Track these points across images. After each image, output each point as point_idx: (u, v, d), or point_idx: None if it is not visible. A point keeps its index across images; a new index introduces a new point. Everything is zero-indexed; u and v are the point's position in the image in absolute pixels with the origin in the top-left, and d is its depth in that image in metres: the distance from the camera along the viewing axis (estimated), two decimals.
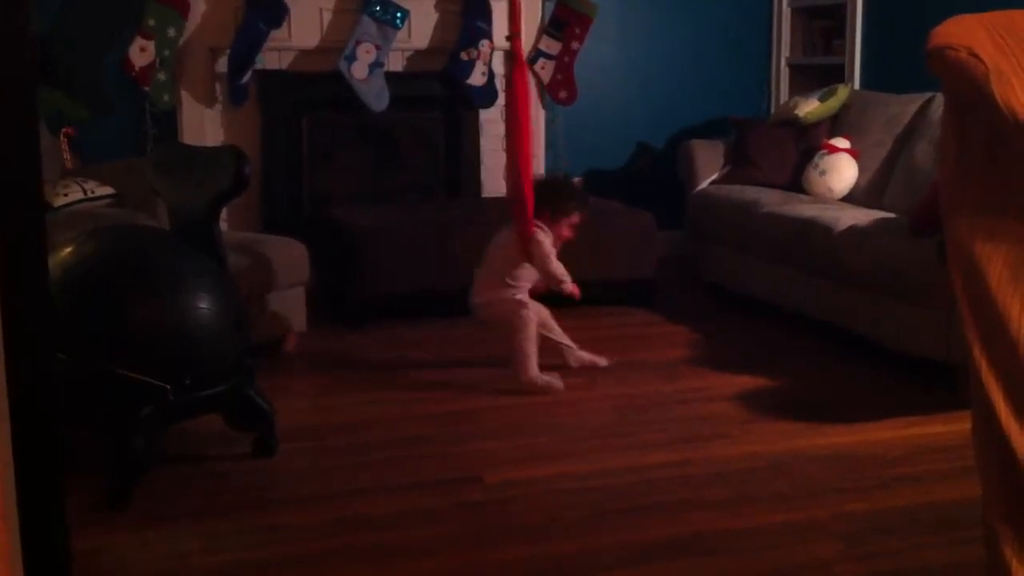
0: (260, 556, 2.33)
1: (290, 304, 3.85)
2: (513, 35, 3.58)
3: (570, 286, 3.48)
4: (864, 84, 5.18)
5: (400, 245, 4.25)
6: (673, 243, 5.20)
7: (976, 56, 1.20)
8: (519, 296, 3.51)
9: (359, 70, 4.81)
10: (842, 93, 4.87)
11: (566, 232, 3.54)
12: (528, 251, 3.45)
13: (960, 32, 1.22)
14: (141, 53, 4.64)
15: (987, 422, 1.19)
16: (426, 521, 2.50)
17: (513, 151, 3.56)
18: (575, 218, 3.54)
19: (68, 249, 2.65)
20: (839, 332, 3.91)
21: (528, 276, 3.52)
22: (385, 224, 4.32)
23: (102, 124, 4.60)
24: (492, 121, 5.22)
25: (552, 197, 3.51)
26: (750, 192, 4.62)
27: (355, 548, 2.36)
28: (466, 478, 2.75)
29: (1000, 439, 1.18)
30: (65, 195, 3.91)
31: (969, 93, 1.21)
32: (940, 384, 3.38)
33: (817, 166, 4.61)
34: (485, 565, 2.28)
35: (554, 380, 3.45)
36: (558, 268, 3.47)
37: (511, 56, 3.63)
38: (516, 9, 3.59)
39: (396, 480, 2.74)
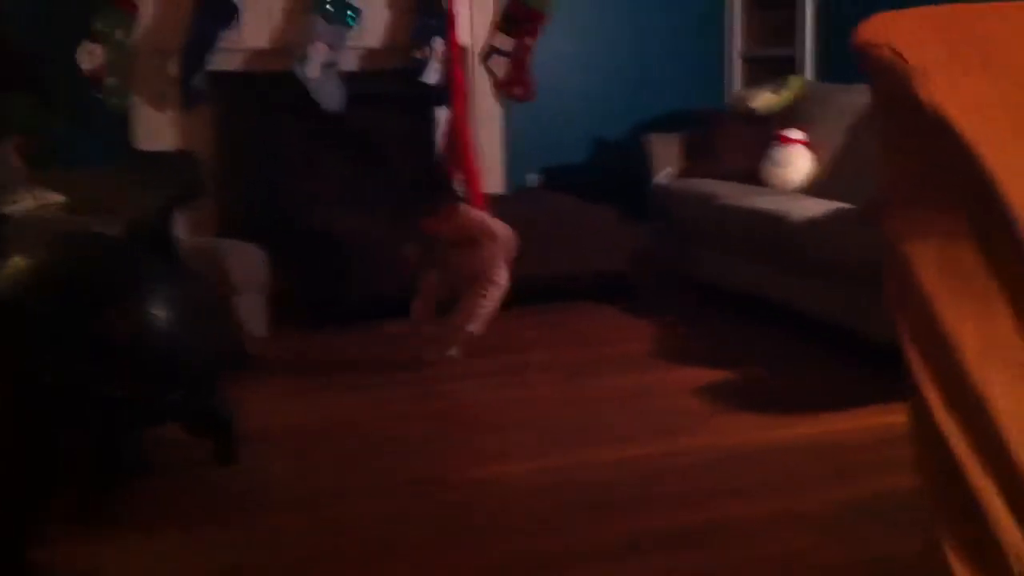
0: (240, 562, 2.33)
1: (248, 309, 3.82)
2: (452, 58, 3.55)
3: None
4: (816, 75, 5.22)
5: (366, 245, 4.22)
6: (637, 237, 5.21)
7: (898, 53, 1.20)
8: None
9: (312, 69, 4.78)
10: (794, 84, 4.91)
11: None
12: None
13: (883, 28, 1.22)
14: (90, 57, 4.58)
15: (922, 421, 1.21)
16: (403, 522, 2.50)
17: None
18: None
19: (18, 258, 2.61)
20: (804, 321, 3.92)
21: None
22: (351, 225, 4.29)
23: (55, 130, 4.53)
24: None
25: None
26: (708, 185, 4.65)
27: (333, 552, 2.36)
28: (440, 477, 2.76)
29: (936, 438, 1.19)
30: (14, 203, 3.85)
31: (892, 89, 1.22)
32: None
33: (772, 158, 4.65)
34: (463, 565, 2.29)
35: None
36: None
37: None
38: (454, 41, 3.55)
39: (372, 482, 2.74)
